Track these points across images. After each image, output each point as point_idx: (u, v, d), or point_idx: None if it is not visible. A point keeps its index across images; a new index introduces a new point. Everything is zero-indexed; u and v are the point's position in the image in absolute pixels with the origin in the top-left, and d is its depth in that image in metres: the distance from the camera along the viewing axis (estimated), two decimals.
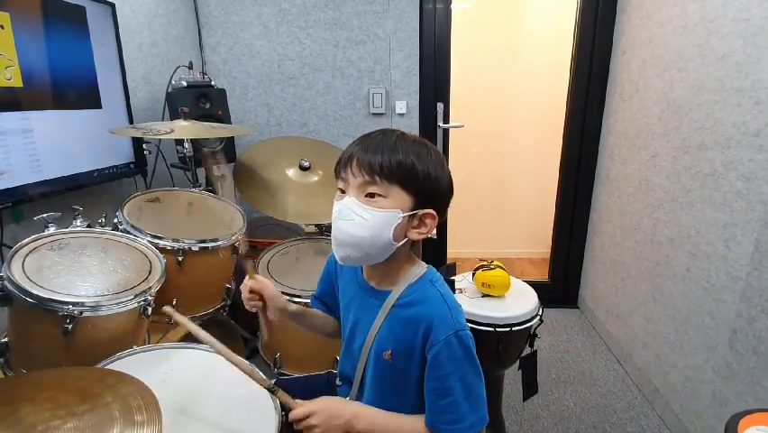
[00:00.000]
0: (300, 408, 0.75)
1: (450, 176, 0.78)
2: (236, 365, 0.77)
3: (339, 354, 1.41)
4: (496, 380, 1.45)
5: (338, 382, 1.00)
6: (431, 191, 0.75)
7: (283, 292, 1.40)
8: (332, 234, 0.77)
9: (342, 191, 0.76)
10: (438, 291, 0.78)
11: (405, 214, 0.73)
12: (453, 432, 0.73)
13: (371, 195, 0.72)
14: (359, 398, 0.87)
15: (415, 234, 0.76)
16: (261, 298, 0.89)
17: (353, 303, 0.88)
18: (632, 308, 1.93)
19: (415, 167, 0.72)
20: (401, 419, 0.79)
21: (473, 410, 0.74)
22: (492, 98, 3.08)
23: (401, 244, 0.76)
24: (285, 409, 0.77)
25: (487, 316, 1.28)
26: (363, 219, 0.72)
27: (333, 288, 0.97)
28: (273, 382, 0.77)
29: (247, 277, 0.90)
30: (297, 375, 1.06)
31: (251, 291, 0.88)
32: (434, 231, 0.79)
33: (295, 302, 1.39)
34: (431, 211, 0.75)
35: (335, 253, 0.78)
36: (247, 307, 0.90)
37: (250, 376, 0.76)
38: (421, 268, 0.82)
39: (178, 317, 0.86)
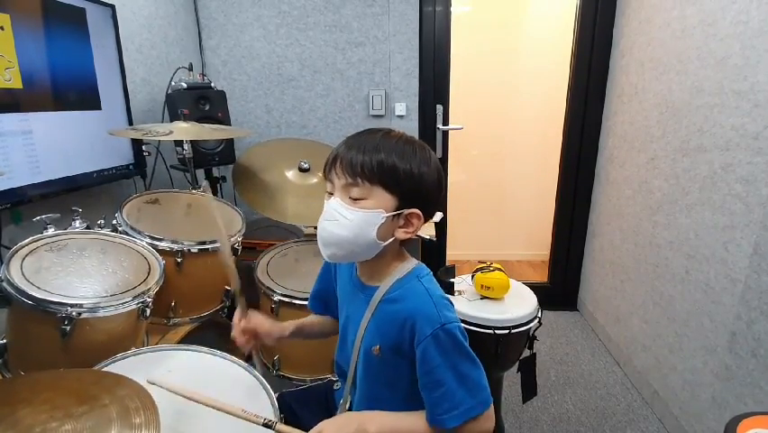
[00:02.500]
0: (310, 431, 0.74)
1: (438, 172, 0.78)
2: (230, 413, 0.74)
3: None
4: (495, 382, 1.45)
5: (336, 385, 0.99)
6: (415, 190, 0.74)
7: (282, 294, 1.42)
8: (317, 234, 0.78)
9: (331, 193, 0.77)
10: (423, 286, 0.77)
11: (388, 214, 0.73)
12: (452, 419, 0.72)
13: (354, 197, 0.73)
14: (353, 392, 0.88)
15: (401, 234, 0.76)
16: (256, 335, 0.91)
17: (347, 298, 0.89)
18: (631, 310, 1.93)
19: (396, 166, 0.72)
20: (407, 417, 0.79)
21: (471, 395, 0.72)
22: (492, 101, 3.09)
23: (388, 243, 0.76)
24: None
25: (486, 318, 1.27)
26: (346, 219, 0.73)
27: (331, 284, 0.97)
28: (267, 419, 0.74)
29: (236, 316, 0.91)
30: (296, 389, 1.06)
31: (245, 332, 0.90)
32: (434, 233, 0.79)
33: (294, 304, 1.41)
34: (416, 211, 0.75)
35: (322, 252, 0.79)
36: (242, 350, 0.92)
37: (245, 420, 0.74)
38: (410, 264, 0.82)
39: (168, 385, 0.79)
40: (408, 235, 0.78)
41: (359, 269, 0.86)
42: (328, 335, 1.03)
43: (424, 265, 0.84)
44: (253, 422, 0.72)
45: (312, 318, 1.03)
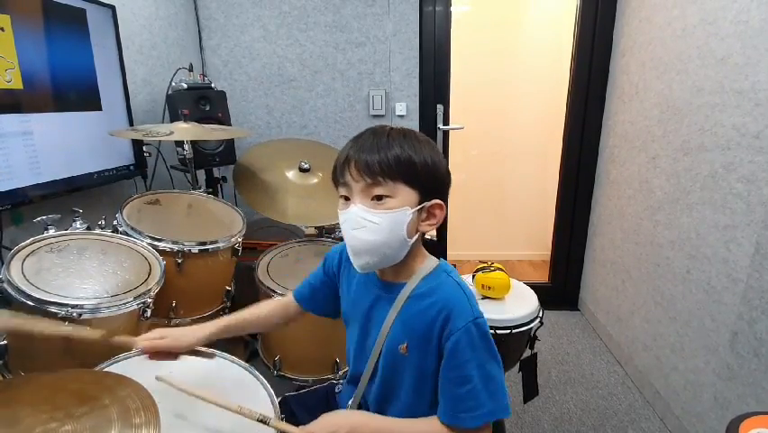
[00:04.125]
0: (300, 429, 0.74)
1: (445, 160, 0.78)
2: (225, 408, 0.75)
3: (338, 355, 1.40)
4: None
5: (337, 389, 0.99)
6: (433, 180, 0.74)
7: (283, 295, 1.41)
8: (347, 245, 0.76)
9: (347, 198, 0.75)
10: (454, 280, 0.78)
11: (414, 209, 0.72)
12: (474, 419, 0.71)
13: (378, 197, 0.71)
14: (366, 395, 0.86)
15: (425, 227, 0.76)
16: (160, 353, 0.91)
17: (365, 298, 0.86)
18: (632, 310, 1.93)
19: (412, 159, 0.71)
20: (410, 422, 0.78)
21: (493, 399, 0.71)
22: (492, 100, 3.09)
23: (415, 238, 0.76)
24: None
25: (487, 318, 1.26)
26: (375, 224, 0.71)
27: (331, 284, 0.95)
28: (261, 415, 0.74)
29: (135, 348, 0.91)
30: (297, 392, 1.06)
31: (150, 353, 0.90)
32: (434, 233, 0.79)
33: None
34: (438, 201, 0.75)
35: (354, 263, 0.77)
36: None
37: (241, 415, 0.74)
38: (433, 261, 0.82)
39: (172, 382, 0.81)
40: (432, 228, 0.77)
41: (379, 269, 0.84)
42: (276, 328, 1.01)
43: (446, 262, 0.83)
44: (249, 417, 0.73)
45: (252, 314, 0.99)
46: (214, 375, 0.93)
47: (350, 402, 0.89)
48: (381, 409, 0.84)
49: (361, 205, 0.72)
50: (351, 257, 0.77)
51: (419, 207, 0.73)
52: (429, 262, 0.81)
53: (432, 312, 0.74)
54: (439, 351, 0.74)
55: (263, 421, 0.73)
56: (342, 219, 0.75)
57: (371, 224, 0.71)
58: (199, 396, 0.76)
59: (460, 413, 0.72)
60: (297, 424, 0.92)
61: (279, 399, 0.89)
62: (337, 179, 0.76)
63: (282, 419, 0.82)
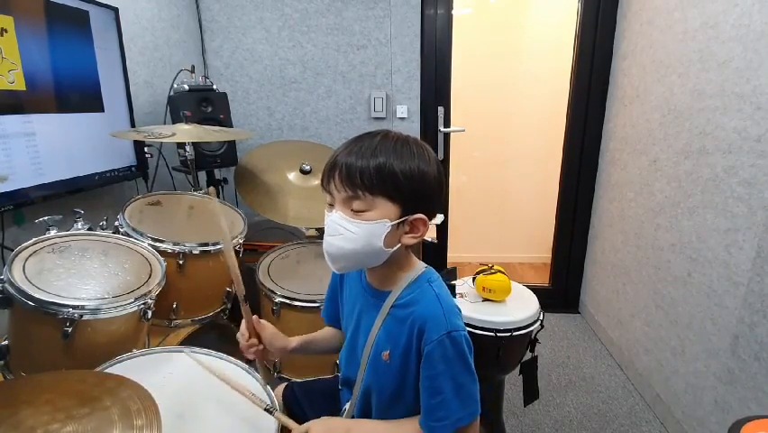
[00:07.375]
0: (299, 426, 0.77)
1: (438, 168, 0.76)
2: (237, 390, 0.80)
3: (338, 358, 1.40)
4: (496, 385, 1.44)
5: (339, 387, 0.99)
6: (417, 192, 0.73)
7: (283, 296, 1.42)
8: (324, 249, 0.77)
9: (331, 204, 0.76)
10: (433, 291, 0.78)
11: (393, 222, 0.72)
12: (442, 428, 0.74)
13: (356, 210, 0.72)
14: (359, 400, 0.87)
15: (408, 240, 0.76)
16: (259, 339, 0.91)
17: (357, 304, 0.88)
18: (633, 313, 1.93)
19: (395, 171, 0.70)
20: (396, 424, 0.80)
21: (462, 406, 0.74)
22: (493, 103, 3.09)
23: (395, 249, 0.75)
24: (285, 430, 0.79)
25: (487, 320, 1.27)
26: (351, 233, 0.72)
27: (338, 296, 0.97)
28: (269, 405, 0.80)
29: (243, 323, 0.92)
30: (304, 380, 1.06)
31: (250, 332, 0.91)
32: (435, 235, 0.79)
33: (295, 306, 1.41)
34: (421, 216, 0.75)
35: (330, 267, 0.79)
36: (247, 355, 0.93)
37: (250, 400, 0.80)
38: (419, 268, 0.82)
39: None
40: (415, 241, 0.77)
41: (368, 275, 0.86)
42: (335, 350, 1.02)
43: (432, 269, 0.84)
44: (257, 405, 0.79)
45: (320, 334, 1.03)
46: (215, 376, 0.93)
47: (346, 406, 0.90)
48: (364, 410, 0.87)
49: (341, 213, 0.73)
50: (327, 262, 0.78)
51: (400, 220, 0.73)
52: (415, 270, 0.81)
53: (410, 323, 0.76)
54: (419, 359, 0.76)
55: (269, 411, 0.78)
56: (326, 224, 0.77)
57: (348, 232, 0.72)
58: (221, 377, 0.82)
59: (432, 422, 0.75)
60: (300, 411, 0.95)
61: (285, 384, 0.90)
62: (324, 185, 0.77)
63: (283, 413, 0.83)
